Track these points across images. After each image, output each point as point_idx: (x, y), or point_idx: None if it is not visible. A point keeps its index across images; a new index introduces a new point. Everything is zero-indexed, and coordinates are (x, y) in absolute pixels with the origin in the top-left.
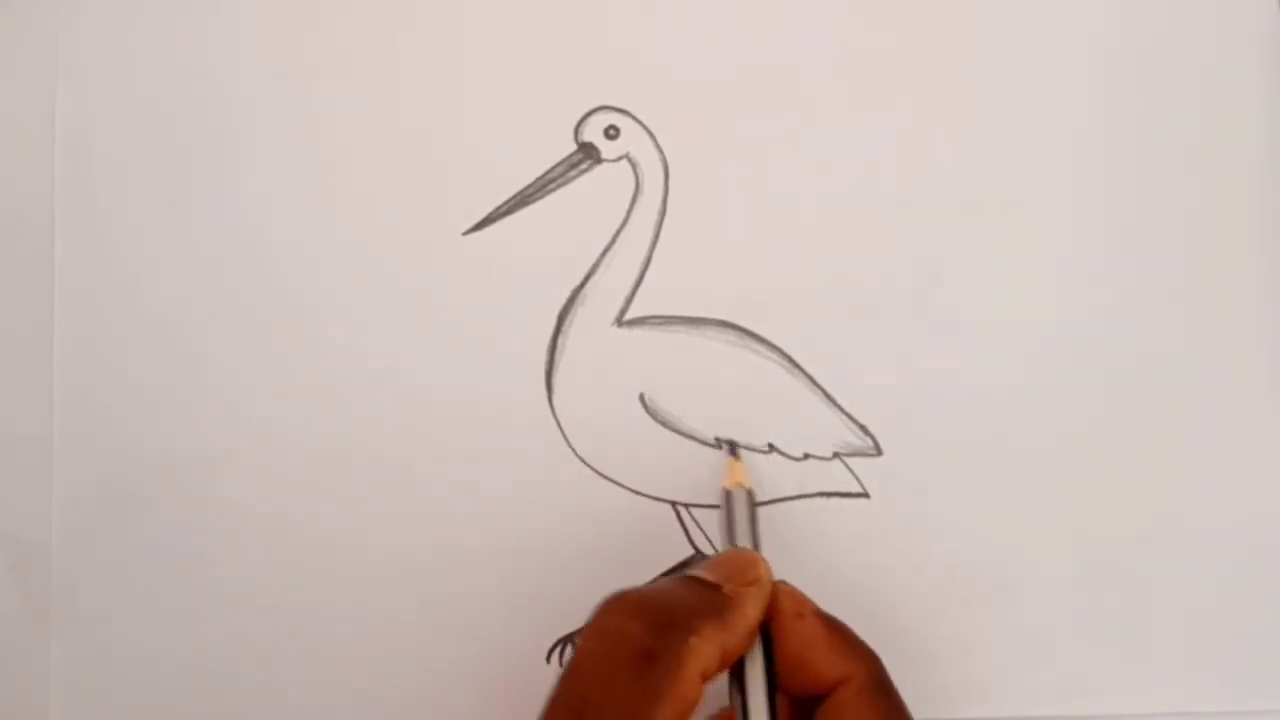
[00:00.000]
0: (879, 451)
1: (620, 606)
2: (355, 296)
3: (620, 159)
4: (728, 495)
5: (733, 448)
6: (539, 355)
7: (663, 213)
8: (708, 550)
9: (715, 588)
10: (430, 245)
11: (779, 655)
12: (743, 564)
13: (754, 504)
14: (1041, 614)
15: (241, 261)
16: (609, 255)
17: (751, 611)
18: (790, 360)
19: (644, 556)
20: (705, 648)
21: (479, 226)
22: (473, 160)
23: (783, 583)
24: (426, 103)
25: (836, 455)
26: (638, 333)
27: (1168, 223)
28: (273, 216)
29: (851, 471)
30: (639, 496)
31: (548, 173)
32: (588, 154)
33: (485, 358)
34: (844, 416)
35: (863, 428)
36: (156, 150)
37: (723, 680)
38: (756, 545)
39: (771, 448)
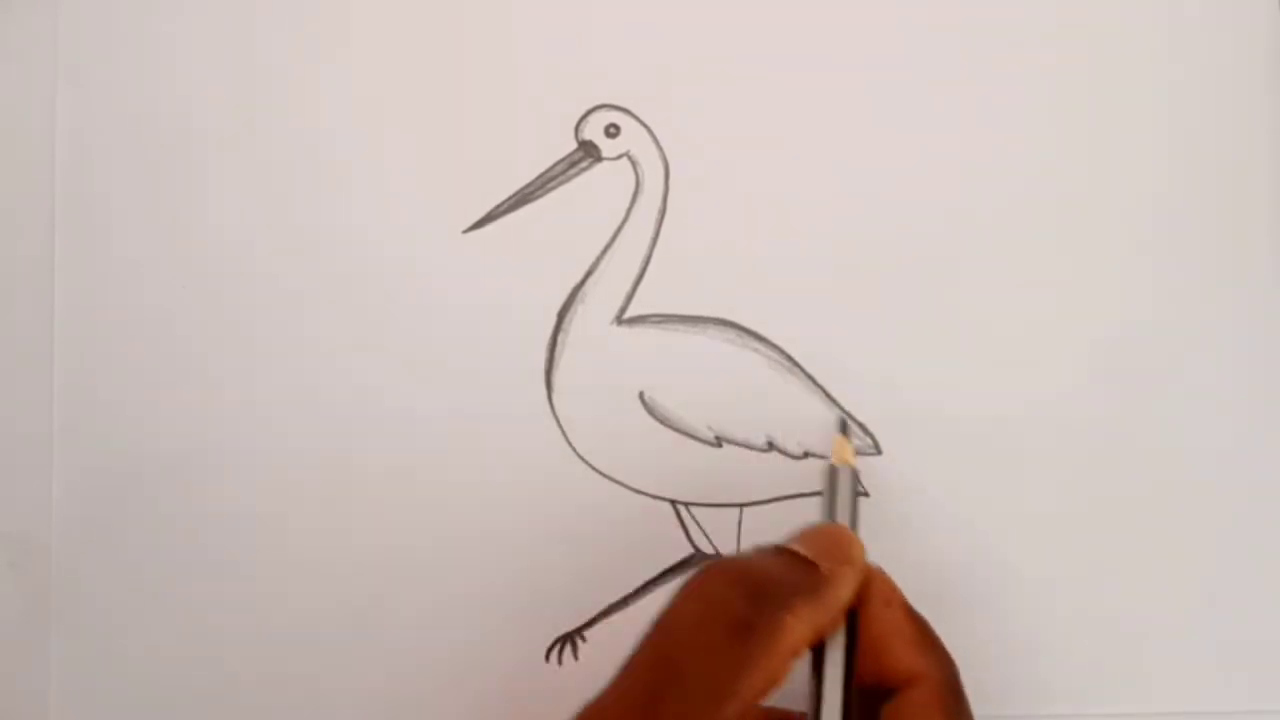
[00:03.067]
0: (879, 451)
1: (719, 573)
2: (356, 295)
3: (620, 157)
4: (832, 471)
5: (843, 425)
6: (539, 353)
7: (663, 211)
8: (707, 549)
9: (813, 565)
10: (430, 243)
11: (861, 640)
12: (840, 542)
13: (857, 484)
14: (1041, 613)
15: (241, 261)
16: (609, 253)
17: (845, 593)
18: (790, 359)
19: (643, 555)
20: (799, 626)
21: (479, 224)
22: (473, 158)
23: (877, 567)
24: (427, 101)
25: None
26: (638, 331)
27: (1168, 223)
28: (272, 216)
29: None
30: (638, 495)
31: (548, 171)
32: (588, 152)
33: (485, 356)
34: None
35: (863, 427)
36: (156, 150)
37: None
38: (854, 525)
39: (771, 446)
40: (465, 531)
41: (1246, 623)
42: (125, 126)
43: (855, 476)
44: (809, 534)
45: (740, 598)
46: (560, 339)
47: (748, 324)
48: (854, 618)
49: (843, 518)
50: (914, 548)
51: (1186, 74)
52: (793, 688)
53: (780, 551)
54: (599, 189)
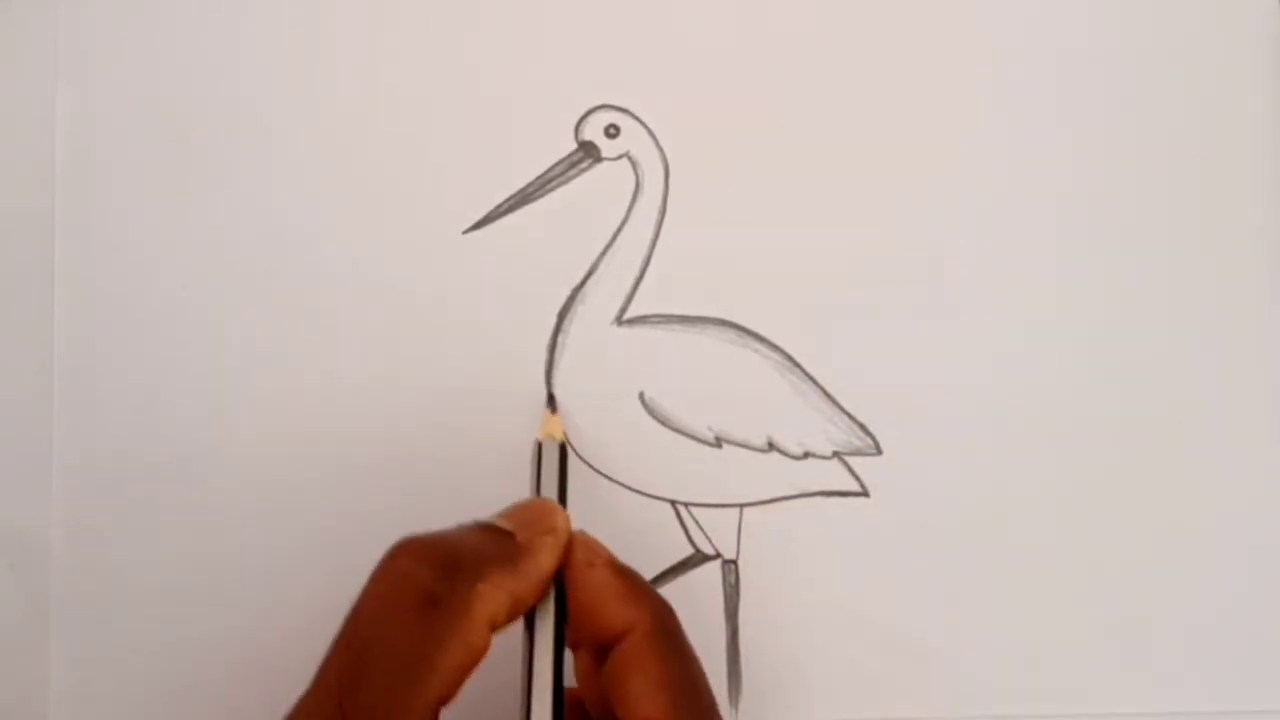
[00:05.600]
0: (879, 451)
1: (408, 550)
2: (355, 294)
3: (620, 157)
4: (539, 446)
5: (551, 401)
6: (539, 354)
7: (663, 211)
8: (707, 549)
9: (508, 535)
10: (430, 244)
11: (571, 605)
12: (539, 513)
13: (565, 457)
14: (1041, 613)
15: (241, 259)
16: (609, 254)
17: (545, 560)
18: (790, 359)
19: (643, 555)
20: (494, 594)
21: (479, 225)
22: (473, 158)
23: (581, 533)
24: (427, 101)
25: (836, 454)
26: (638, 331)
27: (1168, 223)
28: (272, 214)
29: (851, 471)
30: (638, 495)
31: (548, 171)
32: (588, 152)
33: (485, 356)
34: (844, 416)
35: (863, 427)
36: (157, 148)
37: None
38: (563, 499)
39: (771, 446)
40: None
41: (1246, 623)
42: (126, 126)
43: (562, 451)
44: (511, 509)
45: (427, 571)
46: (560, 339)
47: (748, 324)
48: (563, 585)
49: (548, 491)
50: (913, 547)
51: (1186, 74)
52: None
53: (476, 526)
54: (599, 189)
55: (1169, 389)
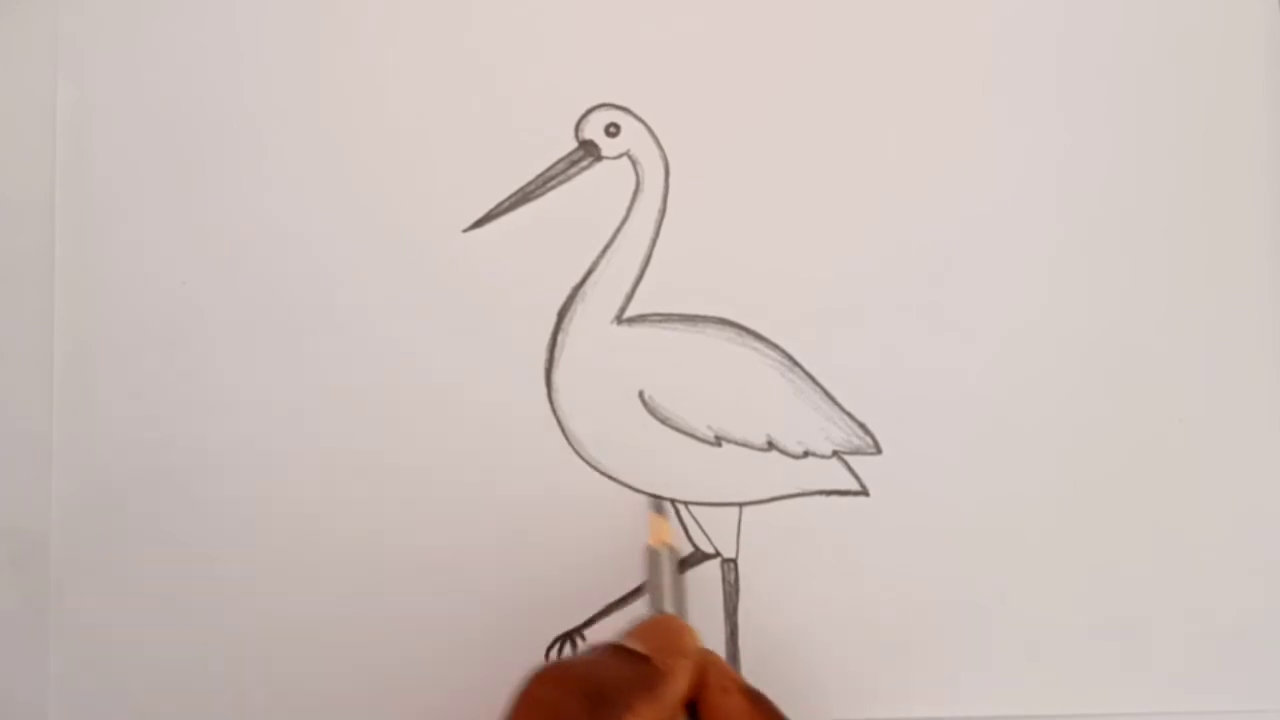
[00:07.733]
0: (878, 450)
1: (552, 679)
2: (356, 293)
3: (621, 156)
4: (653, 555)
5: (658, 503)
6: (539, 352)
7: (663, 210)
8: (707, 548)
9: (646, 660)
10: (431, 242)
11: None
12: (672, 634)
13: (677, 564)
14: (1041, 613)
15: (241, 259)
16: (609, 252)
17: (682, 685)
18: (790, 358)
19: (642, 553)
20: None
21: (480, 223)
22: (474, 157)
23: (710, 653)
24: (428, 100)
25: (836, 453)
26: (637, 330)
27: (1168, 223)
28: (271, 213)
29: (851, 470)
30: (639, 494)
31: (548, 170)
32: (588, 151)
33: (485, 354)
34: (844, 415)
35: (862, 426)
36: (156, 146)
37: None
38: (682, 609)
39: (771, 445)
40: (465, 530)
41: (1246, 623)
42: (125, 124)
43: (674, 556)
44: (641, 628)
45: (576, 704)
46: (560, 338)
47: (748, 323)
48: (695, 707)
49: (669, 603)
50: (912, 546)
51: (1186, 74)
52: None
53: (613, 649)
54: (599, 188)
55: (1169, 388)
